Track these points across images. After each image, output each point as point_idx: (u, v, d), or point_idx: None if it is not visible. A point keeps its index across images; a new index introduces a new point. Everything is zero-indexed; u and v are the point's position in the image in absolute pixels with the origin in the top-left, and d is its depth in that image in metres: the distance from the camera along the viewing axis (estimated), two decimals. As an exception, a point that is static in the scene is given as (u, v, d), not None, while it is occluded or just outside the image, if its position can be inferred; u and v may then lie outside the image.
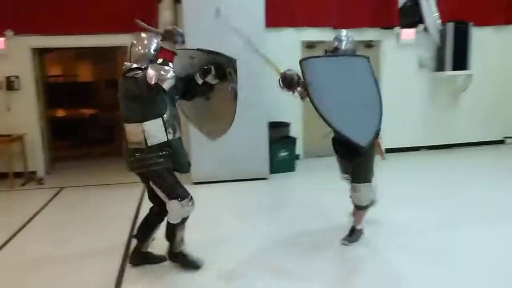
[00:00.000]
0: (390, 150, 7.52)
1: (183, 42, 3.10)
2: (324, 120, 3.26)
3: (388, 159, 7.05)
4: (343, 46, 3.78)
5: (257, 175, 6.04)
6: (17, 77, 6.44)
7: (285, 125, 6.73)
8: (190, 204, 3.23)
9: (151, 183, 3.23)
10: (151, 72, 2.86)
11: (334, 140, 3.87)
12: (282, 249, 3.78)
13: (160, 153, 3.15)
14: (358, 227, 3.85)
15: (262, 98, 5.92)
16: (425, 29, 7.27)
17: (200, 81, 3.43)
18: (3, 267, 3.62)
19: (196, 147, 5.82)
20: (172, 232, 3.29)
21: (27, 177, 6.47)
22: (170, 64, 2.99)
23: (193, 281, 3.28)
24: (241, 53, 5.82)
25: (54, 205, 5.35)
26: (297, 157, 6.95)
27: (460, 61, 7.27)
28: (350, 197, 3.81)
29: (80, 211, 5.01)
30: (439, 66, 7.38)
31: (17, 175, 6.28)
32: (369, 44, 7.39)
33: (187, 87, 3.47)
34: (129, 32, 5.70)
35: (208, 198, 5.13)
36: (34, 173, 6.63)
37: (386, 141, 7.47)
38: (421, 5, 7.16)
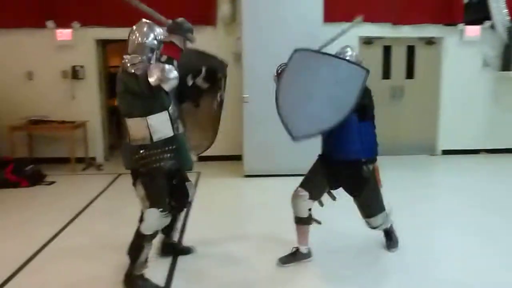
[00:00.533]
0: (446, 152, 7.27)
1: (193, 39, 2.85)
2: (276, 100, 3.02)
3: (443, 161, 6.95)
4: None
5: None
6: (82, 66, 6.76)
7: (339, 121, 6.63)
8: (167, 217, 2.98)
9: (137, 182, 2.95)
10: (153, 71, 2.65)
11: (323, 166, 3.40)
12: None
13: (166, 149, 2.92)
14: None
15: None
16: (492, 26, 6.91)
17: (190, 83, 3.15)
18: (68, 244, 3.86)
19: (249, 140, 5.88)
20: (139, 246, 2.93)
21: (88, 163, 6.80)
22: (175, 62, 2.73)
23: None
24: (298, 46, 5.84)
25: (112, 190, 5.59)
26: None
27: (528, 61, 6.88)
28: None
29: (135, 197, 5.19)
30: (505, 65, 6.99)
31: (79, 160, 6.60)
32: (430, 41, 7.14)
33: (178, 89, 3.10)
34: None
35: (259, 191, 5.18)
36: (94, 159, 6.95)
37: (442, 142, 7.24)
38: (489, 2, 6.81)
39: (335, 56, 3.23)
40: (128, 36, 2.95)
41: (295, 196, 3.33)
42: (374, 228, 3.46)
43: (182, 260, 3.51)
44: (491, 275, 3.23)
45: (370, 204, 3.34)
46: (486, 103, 7.25)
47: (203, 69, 3.20)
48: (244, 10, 5.81)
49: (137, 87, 2.74)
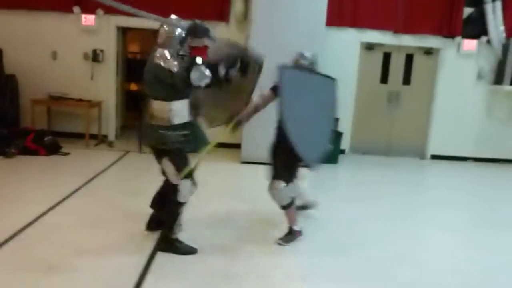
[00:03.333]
0: (435, 157, 7.68)
1: (214, 38, 3.17)
2: (285, 128, 3.44)
3: (432, 166, 7.36)
4: (306, 65, 3.83)
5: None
6: (102, 50, 7.32)
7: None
8: (196, 186, 3.44)
9: (165, 159, 3.32)
10: (195, 73, 2.99)
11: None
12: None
13: (183, 132, 3.29)
14: (294, 227, 3.81)
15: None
16: (488, 41, 7.29)
17: (222, 72, 3.24)
18: (81, 204, 4.45)
19: (247, 129, 6.35)
20: (176, 213, 3.40)
21: (100, 139, 7.37)
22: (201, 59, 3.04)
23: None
24: (304, 48, 6.29)
25: (121, 165, 6.15)
26: (342, 151, 7.31)
27: (520, 77, 7.26)
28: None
29: (140, 172, 5.72)
30: (498, 79, 7.38)
31: (92, 136, 7.17)
32: (428, 51, 7.53)
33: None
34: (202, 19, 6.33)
35: (253, 177, 5.68)
36: (106, 136, 7.53)
37: (432, 147, 7.65)
38: (487, 17, 7.19)
39: (310, 71, 3.79)
40: (159, 29, 3.32)
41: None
42: (271, 193, 3.72)
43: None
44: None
45: (280, 170, 3.71)
46: (477, 114, 7.64)
47: (238, 62, 3.37)
48: (255, 9, 6.28)
49: (169, 80, 3.15)
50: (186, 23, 3.23)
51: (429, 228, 4.46)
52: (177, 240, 3.47)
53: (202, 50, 3.11)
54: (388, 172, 6.70)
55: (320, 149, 3.69)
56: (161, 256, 3.39)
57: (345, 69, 7.30)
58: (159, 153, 3.39)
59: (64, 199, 4.49)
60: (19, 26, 7.17)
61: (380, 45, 7.48)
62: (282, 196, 3.70)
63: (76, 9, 7.09)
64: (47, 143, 6.36)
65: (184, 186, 3.36)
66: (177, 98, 3.26)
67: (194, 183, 3.45)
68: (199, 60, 3.05)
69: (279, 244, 3.75)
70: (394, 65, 7.62)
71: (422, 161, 7.64)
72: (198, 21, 3.18)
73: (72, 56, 7.33)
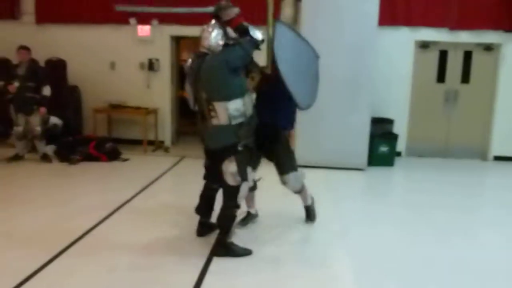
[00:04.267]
0: (498, 158, 7.30)
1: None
2: (283, 81, 3.41)
3: (495, 167, 6.99)
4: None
5: (354, 166, 6.38)
6: (157, 60, 7.59)
7: (389, 121, 6.94)
8: (255, 188, 3.59)
9: (227, 162, 3.29)
10: (252, 31, 3.30)
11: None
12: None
13: (241, 132, 3.28)
14: (309, 202, 4.18)
15: (366, 94, 6.24)
16: (554, 34, 6.87)
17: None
18: (139, 207, 4.62)
19: (299, 132, 6.36)
20: (233, 217, 3.38)
21: (157, 145, 7.63)
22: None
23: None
24: (354, 51, 6.26)
25: (177, 170, 6.34)
26: (398, 154, 7.12)
27: None
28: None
29: (197, 176, 5.84)
30: None
31: (149, 142, 7.44)
32: (488, 47, 7.19)
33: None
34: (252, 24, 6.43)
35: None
36: (162, 142, 7.78)
37: (495, 148, 7.28)
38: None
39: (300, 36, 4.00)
40: (201, 35, 3.40)
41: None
42: (287, 186, 3.93)
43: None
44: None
45: (283, 162, 3.88)
46: (544, 112, 7.19)
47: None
48: (304, 12, 6.29)
49: (243, 53, 3.26)
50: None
51: (504, 246, 3.95)
52: (232, 243, 3.49)
53: (237, 19, 3.33)
54: (447, 175, 6.41)
55: (312, 100, 3.80)
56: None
57: (399, 69, 7.16)
58: (219, 155, 3.35)
59: (126, 203, 4.69)
60: (80, 39, 7.59)
61: (436, 43, 7.23)
62: (296, 184, 3.94)
63: (132, 20, 7.40)
64: (108, 149, 6.66)
65: (244, 187, 3.37)
66: (234, 97, 3.24)
67: (254, 186, 3.48)
68: (244, 24, 3.30)
69: (309, 222, 4.15)
70: (451, 63, 7.33)
71: (484, 163, 7.28)
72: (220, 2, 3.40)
73: (129, 66, 7.65)
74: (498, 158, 7.31)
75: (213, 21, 3.40)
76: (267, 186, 4.07)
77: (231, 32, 3.35)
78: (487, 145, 7.39)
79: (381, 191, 5.80)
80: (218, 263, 3.36)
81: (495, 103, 7.25)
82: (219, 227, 3.49)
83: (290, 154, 3.95)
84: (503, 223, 4.49)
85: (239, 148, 3.29)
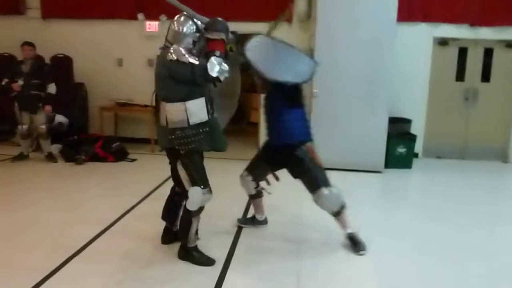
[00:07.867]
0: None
1: (230, 40, 3.10)
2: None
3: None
4: None
5: (371, 168, 6.13)
6: (165, 56, 7.35)
7: (406, 121, 6.67)
8: (209, 193, 3.20)
9: (179, 163, 3.16)
10: (214, 65, 2.89)
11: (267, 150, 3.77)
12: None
13: (201, 130, 3.11)
14: (349, 231, 3.61)
15: (383, 93, 5.97)
16: None
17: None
18: (148, 209, 4.42)
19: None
20: (188, 221, 3.23)
21: (165, 145, 7.40)
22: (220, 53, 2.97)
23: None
24: (371, 47, 6.00)
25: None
26: (416, 155, 6.85)
27: None
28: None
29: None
30: None
31: (156, 141, 7.16)
32: (510, 44, 6.90)
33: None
34: (266, 21, 6.22)
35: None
36: (170, 141, 7.55)
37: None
38: None
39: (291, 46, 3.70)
40: (169, 26, 3.17)
41: (241, 178, 3.83)
42: (321, 205, 3.53)
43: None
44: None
45: (311, 179, 3.52)
46: None
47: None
48: (319, 8, 6.03)
49: (190, 76, 2.96)
50: (206, 18, 3.14)
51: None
52: (194, 249, 3.33)
53: (220, 44, 3.01)
54: (468, 178, 6.11)
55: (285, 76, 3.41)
56: (240, 252, 3.49)
57: (417, 67, 6.89)
58: (174, 155, 3.21)
59: (137, 204, 4.54)
60: (87, 35, 7.38)
61: (455, 39, 6.95)
62: (332, 201, 3.51)
63: (140, 16, 7.19)
64: (115, 149, 6.45)
65: (192, 192, 3.14)
66: (193, 97, 3.07)
67: (208, 191, 3.20)
68: (217, 53, 2.95)
69: (360, 254, 3.53)
70: (471, 60, 7.04)
71: (505, 165, 6.99)
72: (220, 19, 3.10)
73: (137, 62, 7.44)
74: (523, 162, 7.04)
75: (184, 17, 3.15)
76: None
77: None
78: (507, 146, 7.10)
79: (401, 197, 5.53)
80: (237, 270, 3.20)
81: (517, 103, 6.98)
82: (179, 230, 3.39)
83: (318, 167, 3.54)
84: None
85: (181, 152, 3.13)
